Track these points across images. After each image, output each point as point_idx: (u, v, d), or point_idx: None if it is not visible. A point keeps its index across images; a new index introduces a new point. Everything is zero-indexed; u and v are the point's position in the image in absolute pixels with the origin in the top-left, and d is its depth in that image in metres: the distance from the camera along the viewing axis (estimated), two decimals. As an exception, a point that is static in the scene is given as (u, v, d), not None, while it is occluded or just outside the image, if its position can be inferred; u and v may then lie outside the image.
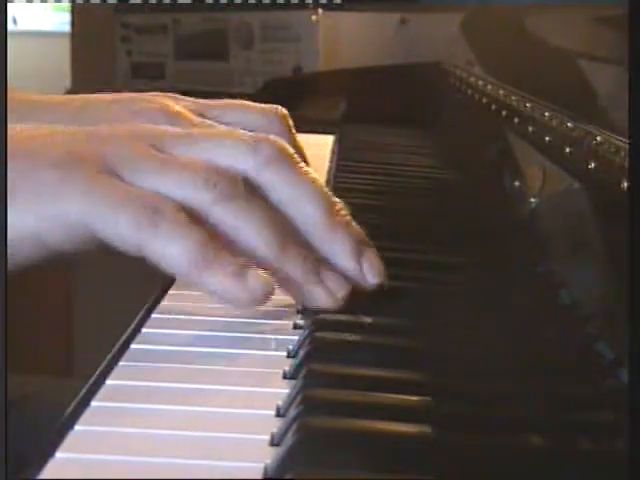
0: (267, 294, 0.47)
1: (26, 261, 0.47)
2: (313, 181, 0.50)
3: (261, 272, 0.46)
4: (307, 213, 0.49)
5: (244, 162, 0.48)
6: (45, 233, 0.46)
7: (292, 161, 0.49)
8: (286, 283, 0.49)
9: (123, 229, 0.45)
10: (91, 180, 0.45)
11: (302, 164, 0.50)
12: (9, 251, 0.46)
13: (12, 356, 0.46)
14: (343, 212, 0.51)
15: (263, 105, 0.59)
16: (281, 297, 0.54)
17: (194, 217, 0.46)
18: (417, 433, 0.37)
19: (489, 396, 0.42)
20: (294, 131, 0.62)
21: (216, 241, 0.46)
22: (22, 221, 0.46)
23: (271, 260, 0.47)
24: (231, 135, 0.50)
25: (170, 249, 0.45)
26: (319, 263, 0.49)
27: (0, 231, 0.48)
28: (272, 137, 0.49)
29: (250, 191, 0.48)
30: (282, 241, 0.47)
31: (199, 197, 0.46)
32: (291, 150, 0.50)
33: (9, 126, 0.48)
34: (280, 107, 0.60)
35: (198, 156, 0.48)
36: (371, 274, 0.50)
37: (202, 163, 0.47)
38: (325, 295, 0.49)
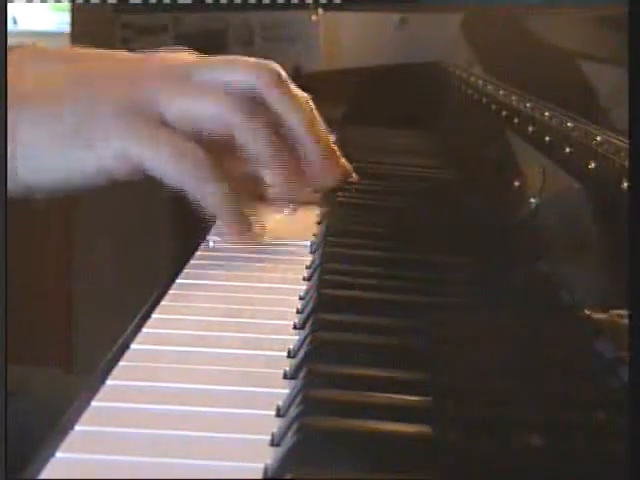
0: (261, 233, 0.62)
1: (95, 188, 0.59)
2: (300, 100, 0.65)
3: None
4: (294, 122, 0.64)
5: (251, 82, 0.62)
6: (114, 169, 0.58)
7: (284, 84, 0.64)
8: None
9: (172, 174, 0.57)
10: (142, 129, 0.58)
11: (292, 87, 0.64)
12: (85, 183, 0.58)
13: (12, 356, 0.46)
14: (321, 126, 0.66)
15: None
16: (281, 297, 0.54)
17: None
18: (417, 433, 0.37)
19: (489, 396, 0.42)
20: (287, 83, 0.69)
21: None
22: (98, 161, 0.57)
23: (267, 155, 0.61)
24: (239, 61, 0.64)
25: (208, 197, 0.58)
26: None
27: (0, 230, 0.48)
28: (269, 65, 0.64)
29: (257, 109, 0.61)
30: (273, 143, 0.61)
31: (226, 117, 0.60)
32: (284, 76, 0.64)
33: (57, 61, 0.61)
34: (272, 64, 0.65)
35: (219, 79, 0.62)
36: (336, 171, 0.69)
37: (223, 90, 0.61)
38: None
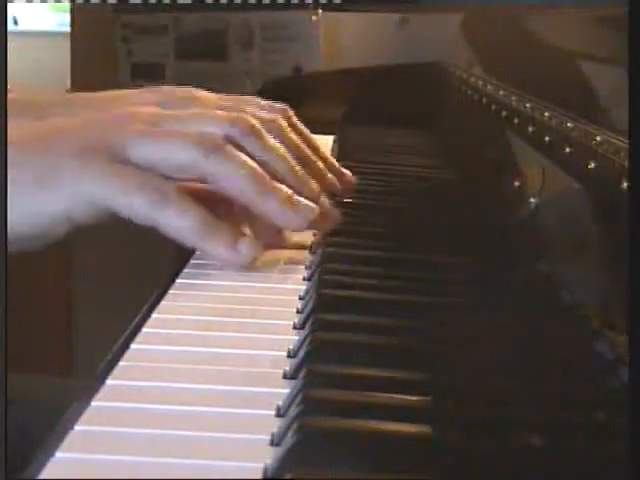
0: (256, 257, 0.57)
1: (56, 237, 0.56)
2: (275, 147, 0.61)
3: (252, 239, 0.57)
4: (278, 167, 0.60)
5: (223, 129, 0.59)
6: (73, 212, 0.55)
7: (259, 134, 0.60)
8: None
9: (139, 209, 0.55)
10: (106, 169, 0.55)
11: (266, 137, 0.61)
12: (42, 232, 0.55)
13: (12, 356, 0.46)
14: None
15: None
16: (281, 297, 0.54)
17: (195, 193, 0.57)
18: (417, 433, 0.37)
19: (489, 396, 0.42)
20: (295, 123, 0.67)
21: (216, 209, 0.57)
22: (54, 204, 0.55)
23: (254, 199, 0.58)
24: (210, 112, 0.61)
25: (177, 223, 0.55)
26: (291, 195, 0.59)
27: (0, 230, 0.48)
28: (244, 115, 0.61)
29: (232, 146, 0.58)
30: (261, 182, 0.58)
31: (191, 155, 0.56)
32: (257, 126, 0.61)
33: (22, 122, 0.59)
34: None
35: (186, 127, 0.58)
36: (329, 218, 0.63)
37: (190, 131, 0.58)
38: (298, 219, 0.59)
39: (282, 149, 0.61)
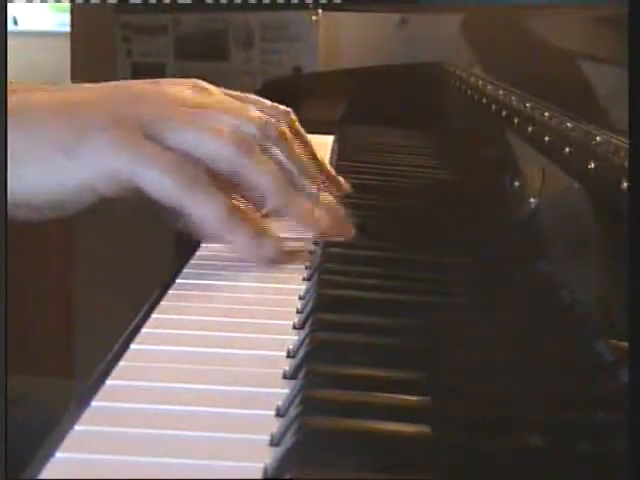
0: (278, 254, 0.58)
1: (79, 206, 0.56)
2: (299, 157, 0.62)
3: (275, 235, 0.58)
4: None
5: (258, 129, 0.59)
6: (99, 183, 0.55)
7: (288, 141, 0.61)
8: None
9: (168, 190, 0.55)
10: (137, 145, 0.55)
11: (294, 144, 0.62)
12: (65, 200, 0.55)
13: (12, 357, 0.46)
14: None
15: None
16: (281, 297, 0.54)
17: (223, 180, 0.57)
18: (417, 433, 0.37)
19: (489, 396, 0.42)
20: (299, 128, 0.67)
21: (241, 201, 0.58)
22: (79, 173, 0.55)
23: (278, 200, 0.58)
24: (246, 109, 0.61)
25: (204, 211, 0.55)
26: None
27: (0, 230, 0.48)
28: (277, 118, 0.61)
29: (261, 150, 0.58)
30: (288, 187, 0.59)
31: (227, 152, 0.57)
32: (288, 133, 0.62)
33: (48, 88, 0.59)
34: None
35: (224, 119, 0.58)
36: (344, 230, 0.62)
37: (226, 124, 0.58)
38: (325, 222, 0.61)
39: (303, 159, 0.62)
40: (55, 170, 0.55)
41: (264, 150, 0.59)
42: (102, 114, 0.56)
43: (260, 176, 0.58)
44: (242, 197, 0.59)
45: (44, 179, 0.55)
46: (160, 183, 0.54)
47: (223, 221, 0.56)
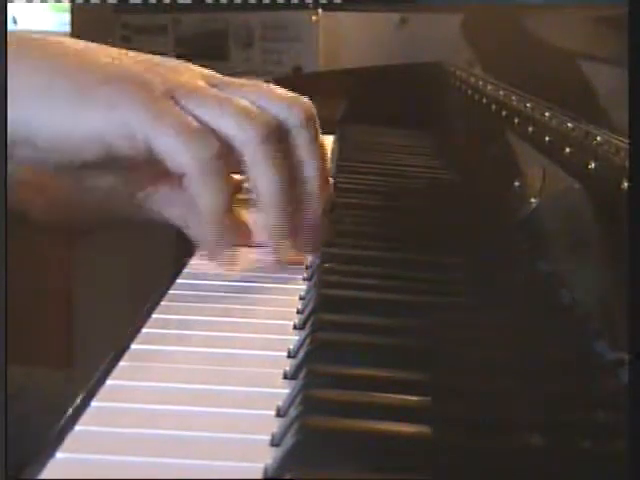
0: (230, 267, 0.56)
1: (89, 158, 0.52)
2: (321, 146, 0.58)
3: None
4: (311, 175, 0.57)
5: (284, 116, 0.56)
6: (110, 136, 0.51)
7: (314, 127, 0.58)
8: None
9: (180, 160, 0.51)
10: (157, 102, 0.52)
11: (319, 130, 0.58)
12: (75, 149, 0.52)
13: (12, 352, 0.46)
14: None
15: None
16: (281, 297, 0.54)
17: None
18: (417, 433, 0.37)
19: (489, 396, 0.42)
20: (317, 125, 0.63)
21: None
22: (91, 122, 0.51)
23: (269, 206, 0.55)
24: (274, 90, 0.58)
25: (206, 200, 0.52)
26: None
27: (0, 229, 0.48)
28: (305, 102, 0.58)
29: (279, 139, 0.55)
30: (282, 197, 0.55)
31: (242, 135, 0.53)
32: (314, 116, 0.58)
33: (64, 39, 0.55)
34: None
35: (246, 100, 0.55)
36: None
37: (249, 106, 0.54)
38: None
39: (319, 151, 0.59)
40: (64, 111, 0.51)
41: (283, 141, 0.55)
42: (128, 67, 0.53)
43: (265, 181, 0.55)
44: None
45: (50, 118, 0.51)
46: (174, 149, 0.51)
47: (214, 222, 0.53)
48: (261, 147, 0.54)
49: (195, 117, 0.52)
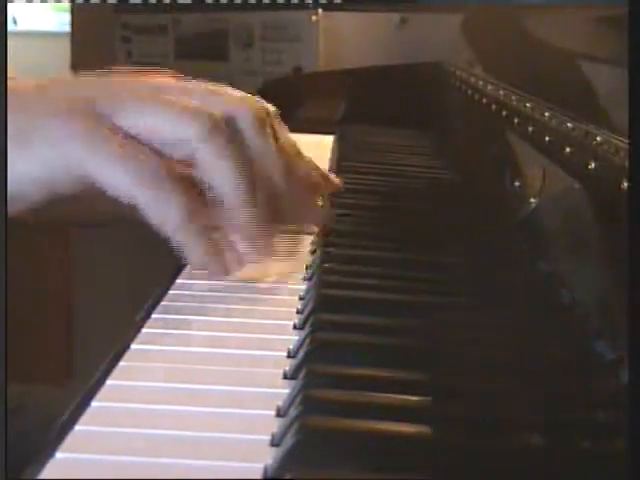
0: (234, 270, 0.54)
1: (33, 204, 0.51)
2: (272, 144, 0.56)
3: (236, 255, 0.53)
4: (270, 170, 0.55)
5: (233, 110, 0.53)
6: (50, 177, 0.49)
7: (268, 123, 0.55)
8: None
9: (121, 185, 0.49)
10: (88, 131, 0.49)
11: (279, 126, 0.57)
12: (18, 194, 0.50)
13: (12, 364, 0.46)
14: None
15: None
16: (281, 297, 0.54)
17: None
18: (417, 433, 0.37)
19: (489, 396, 0.42)
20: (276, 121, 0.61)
21: (203, 203, 0.51)
22: (30, 166, 0.49)
23: (234, 202, 0.52)
24: (222, 90, 0.55)
25: (162, 213, 0.49)
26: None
27: (0, 229, 0.48)
28: (253, 101, 0.56)
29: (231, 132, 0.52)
30: (250, 188, 0.52)
31: (189, 131, 0.51)
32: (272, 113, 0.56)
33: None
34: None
35: (184, 98, 0.52)
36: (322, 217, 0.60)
37: (190, 104, 0.52)
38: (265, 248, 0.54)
39: (280, 148, 0.56)
40: (12, 162, 0.49)
41: (236, 139, 0.53)
42: (57, 100, 0.51)
43: (219, 171, 0.51)
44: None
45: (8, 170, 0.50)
46: (113, 176, 0.48)
47: (178, 225, 0.50)
48: (205, 139, 0.51)
49: (132, 135, 0.50)
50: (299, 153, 0.62)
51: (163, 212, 0.49)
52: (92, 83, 0.54)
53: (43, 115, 0.50)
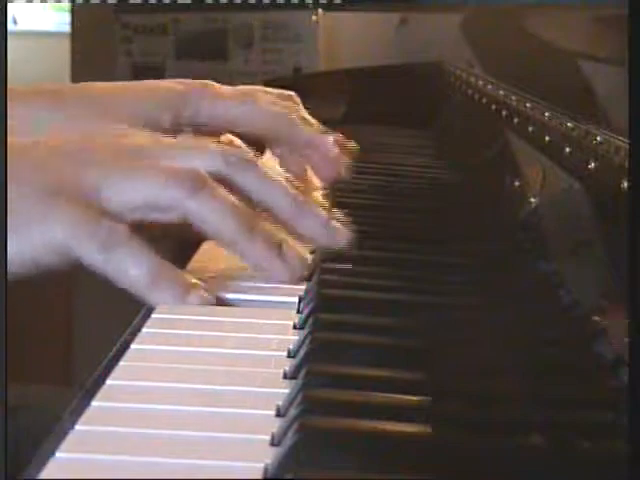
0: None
1: (24, 277, 0.51)
2: (275, 178, 0.56)
3: (204, 291, 0.52)
4: (277, 199, 0.55)
5: (215, 163, 0.54)
6: (38, 257, 0.51)
7: (253, 165, 0.55)
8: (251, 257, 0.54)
9: (90, 259, 0.50)
10: (73, 211, 0.50)
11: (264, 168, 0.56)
12: (9, 270, 0.50)
13: (12, 365, 0.46)
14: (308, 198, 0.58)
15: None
16: (281, 297, 0.54)
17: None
18: (417, 433, 0.37)
19: (489, 396, 0.42)
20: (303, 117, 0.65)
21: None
22: (19, 248, 0.50)
23: (239, 243, 0.53)
24: (199, 143, 0.56)
25: (126, 271, 0.51)
26: (282, 242, 0.55)
27: (1, 237, 0.48)
28: (236, 145, 0.58)
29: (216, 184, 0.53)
30: (248, 225, 0.53)
31: (171, 194, 0.52)
32: (252, 157, 0.56)
33: None
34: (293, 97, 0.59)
35: (170, 162, 0.53)
36: (339, 236, 0.57)
37: (164, 166, 0.52)
38: (284, 269, 0.54)
39: (279, 179, 0.56)
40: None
41: (226, 183, 0.53)
42: (39, 182, 0.51)
43: (211, 217, 0.52)
44: None
45: None
46: (92, 259, 0.50)
47: (145, 282, 0.51)
48: (187, 196, 0.52)
49: (118, 209, 0.51)
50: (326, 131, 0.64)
51: (127, 275, 0.51)
52: (74, 152, 0.53)
53: (26, 196, 0.50)
